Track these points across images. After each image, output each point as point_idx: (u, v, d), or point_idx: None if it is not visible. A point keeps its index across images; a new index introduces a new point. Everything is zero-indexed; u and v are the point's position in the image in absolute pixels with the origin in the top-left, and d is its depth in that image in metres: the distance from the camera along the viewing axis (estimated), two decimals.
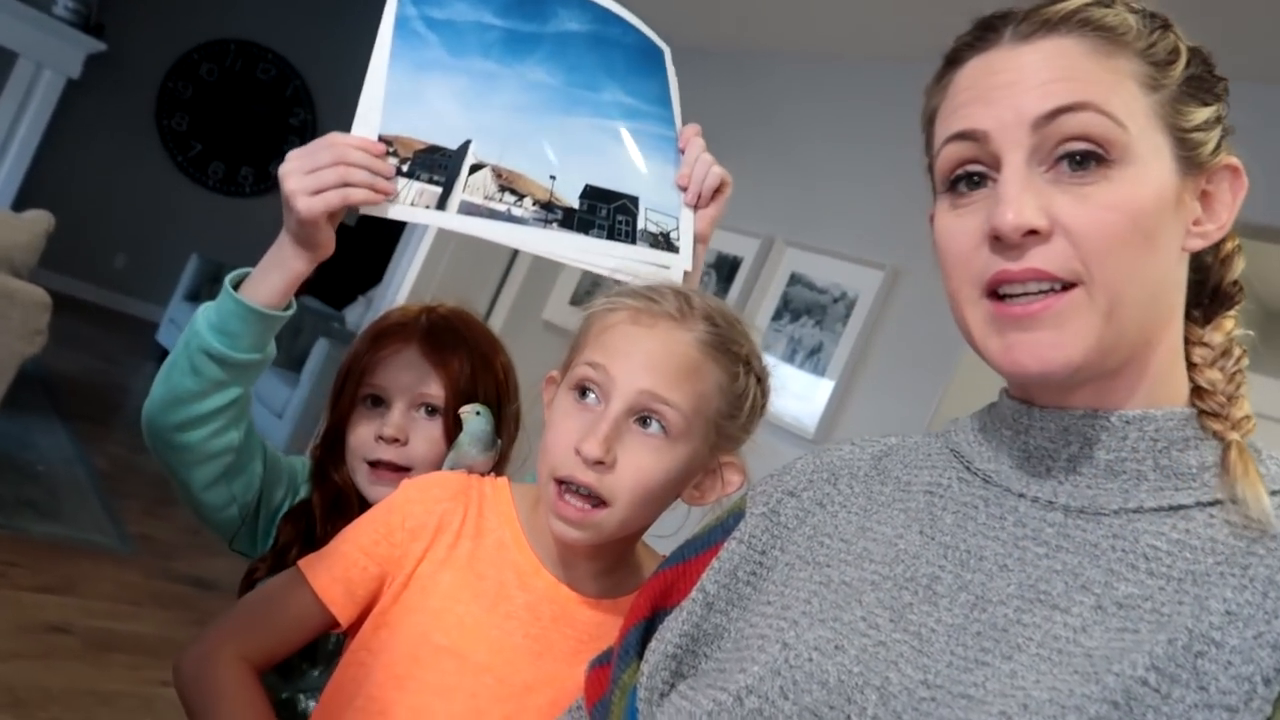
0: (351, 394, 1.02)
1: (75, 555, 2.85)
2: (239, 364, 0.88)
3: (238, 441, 0.94)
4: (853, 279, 2.64)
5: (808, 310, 2.74)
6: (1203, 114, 0.56)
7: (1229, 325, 0.61)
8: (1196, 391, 0.58)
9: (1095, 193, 0.53)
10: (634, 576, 0.85)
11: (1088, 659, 0.49)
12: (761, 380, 0.83)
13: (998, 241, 0.54)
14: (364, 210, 0.82)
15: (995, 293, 0.55)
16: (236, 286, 0.87)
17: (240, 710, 0.80)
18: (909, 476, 0.64)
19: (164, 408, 0.89)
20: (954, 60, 0.60)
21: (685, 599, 0.66)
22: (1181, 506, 0.53)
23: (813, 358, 2.67)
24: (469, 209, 0.84)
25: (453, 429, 0.99)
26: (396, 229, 4.41)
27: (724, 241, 3.02)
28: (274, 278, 0.86)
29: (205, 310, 0.88)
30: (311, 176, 0.80)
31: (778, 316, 2.80)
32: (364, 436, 1.00)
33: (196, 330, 0.87)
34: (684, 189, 0.91)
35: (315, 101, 6.64)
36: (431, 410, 1.01)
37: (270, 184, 6.62)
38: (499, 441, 0.97)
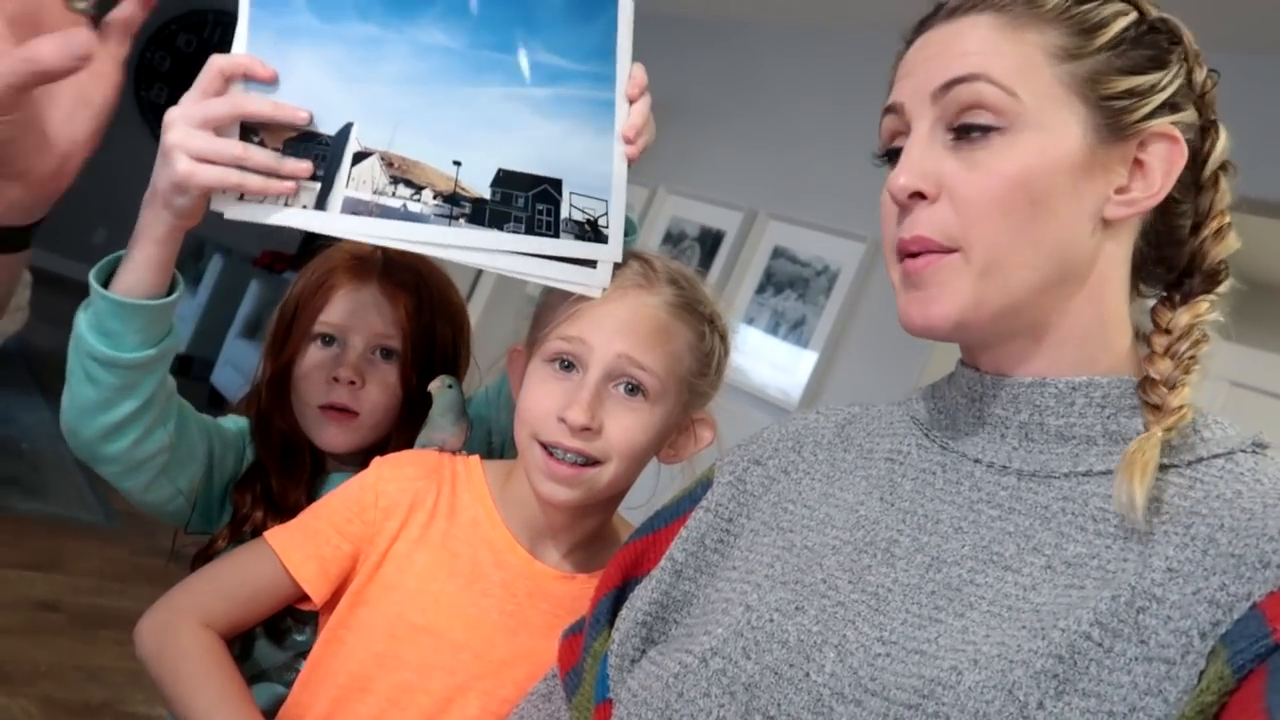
0: (301, 333, 0.96)
1: (61, 532, 2.86)
2: (132, 364, 0.76)
3: (167, 440, 0.84)
4: (835, 252, 2.65)
5: (790, 283, 2.75)
6: (1132, 81, 0.57)
7: (1203, 308, 0.59)
8: (1146, 380, 0.57)
9: (984, 158, 0.56)
10: (608, 550, 0.86)
11: (1036, 615, 0.51)
12: (724, 338, 0.86)
13: (900, 206, 0.58)
14: (228, 212, 0.70)
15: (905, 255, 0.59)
16: (110, 278, 0.75)
17: (210, 677, 0.79)
18: (871, 444, 0.66)
19: (75, 419, 0.79)
20: (909, 40, 0.63)
21: (655, 567, 0.67)
22: None
23: (796, 330, 2.68)
24: (354, 207, 0.72)
25: (408, 373, 0.97)
26: None
27: (707, 215, 3.02)
28: (138, 257, 0.74)
29: (83, 308, 0.76)
30: (203, 137, 0.69)
31: (761, 290, 2.81)
32: (316, 379, 0.96)
33: (80, 334, 0.76)
34: (630, 143, 0.77)
35: None
36: (387, 353, 0.98)
37: None
38: (469, 414, 0.96)
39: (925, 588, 0.55)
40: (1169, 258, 0.61)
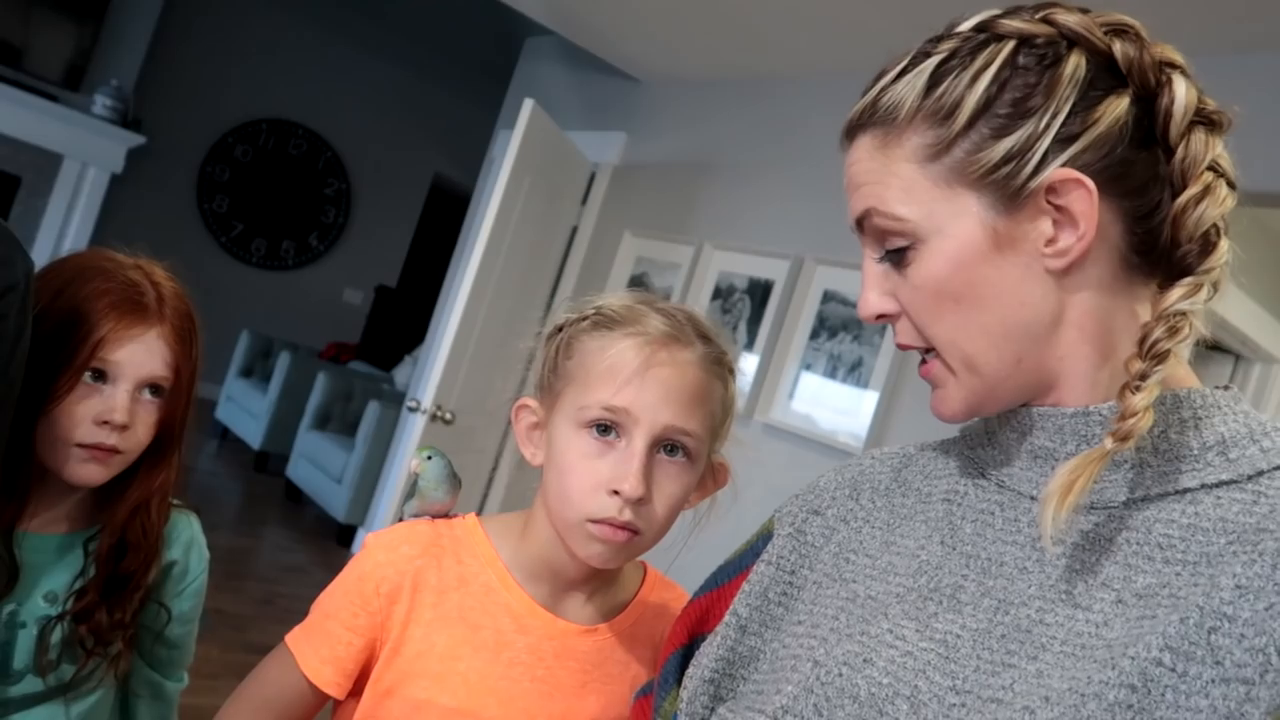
0: (62, 365, 0.93)
1: None
2: None
3: None
4: None
5: (844, 326, 2.74)
6: (1003, 146, 0.56)
7: (1180, 291, 0.54)
8: (1124, 385, 0.53)
9: (911, 274, 0.60)
10: (618, 592, 0.87)
11: (1108, 649, 0.49)
12: (735, 380, 0.86)
13: None
14: None
15: None
16: None
17: None
18: (928, 486, 0.66)
19: None
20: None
21: (720, 624, 0.67)
22: (1188, 490, 0.54)
23: (854, 372, 2.67)
24: None
25: (169, 414, 0.99)
26: (435, 290, 4.50)
27: (754, 266, 3.04)
28: None
29: None
30: None
31: (815, 335, 2.81)
32: (80, 416, 0.94)
33: None
34: None
35: (347, 169, 6.81)
36: (156, 390, 0.98)
37: (311, 255, 6.80)
38: (457, 474, 0.93)
39: (995, 632, 0.54)
40: (1151, 239, 0.57)
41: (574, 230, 3.72)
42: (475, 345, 2.98)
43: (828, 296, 2.80)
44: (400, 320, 6.53)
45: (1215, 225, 0.56)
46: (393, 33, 6.33)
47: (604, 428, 0.77)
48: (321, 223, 6.82)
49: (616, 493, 0.76)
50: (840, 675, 0.56)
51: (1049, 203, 0.56)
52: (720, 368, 0.82)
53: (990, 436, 0.64)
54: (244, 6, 6.24)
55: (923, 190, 0.58)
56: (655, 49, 3.34)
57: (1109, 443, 0.51)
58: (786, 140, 3.12)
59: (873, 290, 0.63)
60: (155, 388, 0.99)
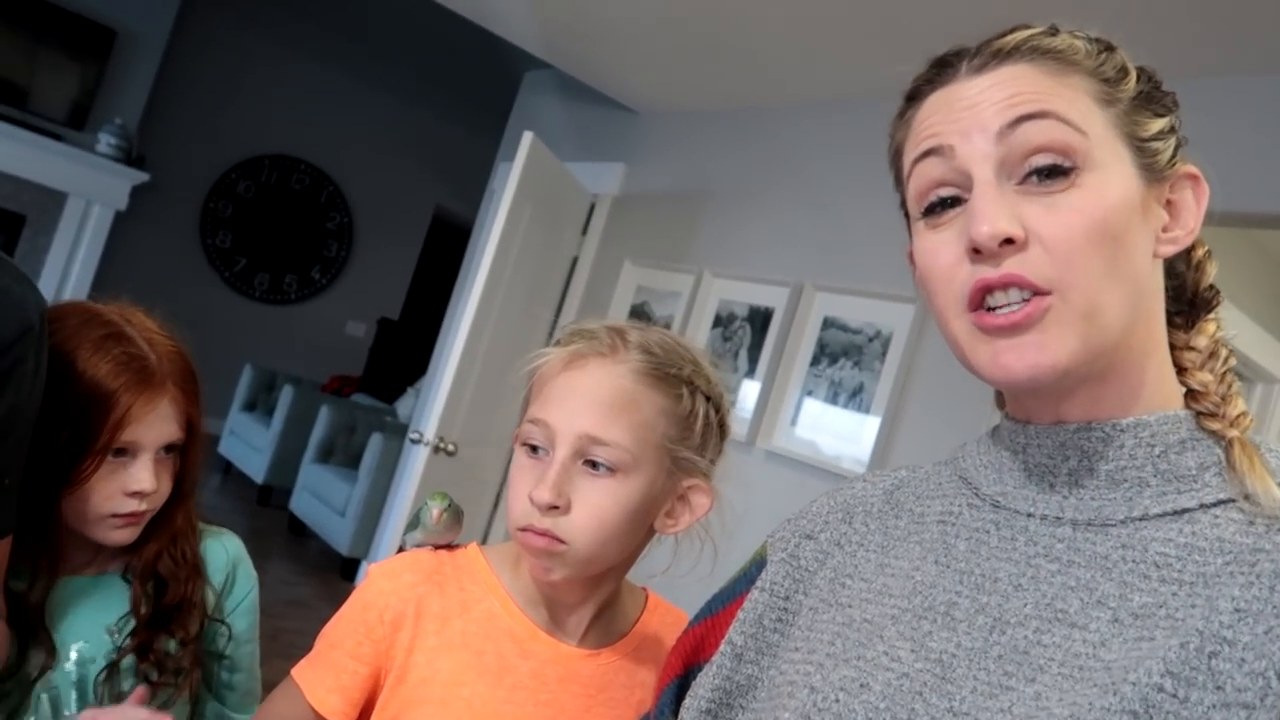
0: (103, 448, 0.94)
1: None
2: None
3: None
4: (885, 316, 2.65)
5: (844, 352, 2.75)
6: (1157, 124, 0.59)
7: (1211, 329, 0.62)
8: (1191, 394, 0.59)
9: (1063, 199, 0.55)
10: (620, 618, 0.88)
11: (1107, 672, 0.49)
12: (713, 399, 0.84)
13: (977, 254, 0.55)
14: None
15: (980, 305, 0.56)
16: None
17: None
18: (922, 508, 0.65)
19: None
20: (914, 96, 0.63)
21: (715, 653, 0.67)
22: (1186, 510, 0.54)
23: (856, 398, 2.67)
24: None
25: (183, 463, 1.03)
26: (437, 321, 4.51)
27: (754, 294, 3.05)
28: None
29: None
30: None
31: (815, 361, 2.81)
32: (109, 492, 0.96)
33: None
34: None
35: (349, 203, 6.86)
36: (170, 448, 1.01)
37: (314, 288, 6.83)
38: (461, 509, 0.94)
39: (991, 652, 0.54)
40: (1176, 288, 0.63)
41: (574, 260, 3.74)
42: (477, 376, 2.99)
43: (828, 323, 2.81)
44: (403, 352, 6.54)
45: (1212, 283, 0.64)
46: (393, 67, 6.40)
47: (535, 447, 0.80)
48: (324, 256, 6.85)
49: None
50: (837, 701, 0.56)
51: (1171, 193, 0.59)
52: (661, 380, 0.80)
53: (984, 456, 0.64)
54: (246, 44, 6.31)
55: (1099, 123, 0.57)
56: (652, 80, 3.38)
57: (1236, 434, 0.55)
58: (784, 168, 3.15)
59: (1003, 211, 0.54)
60: (170, 446, 1.02)
